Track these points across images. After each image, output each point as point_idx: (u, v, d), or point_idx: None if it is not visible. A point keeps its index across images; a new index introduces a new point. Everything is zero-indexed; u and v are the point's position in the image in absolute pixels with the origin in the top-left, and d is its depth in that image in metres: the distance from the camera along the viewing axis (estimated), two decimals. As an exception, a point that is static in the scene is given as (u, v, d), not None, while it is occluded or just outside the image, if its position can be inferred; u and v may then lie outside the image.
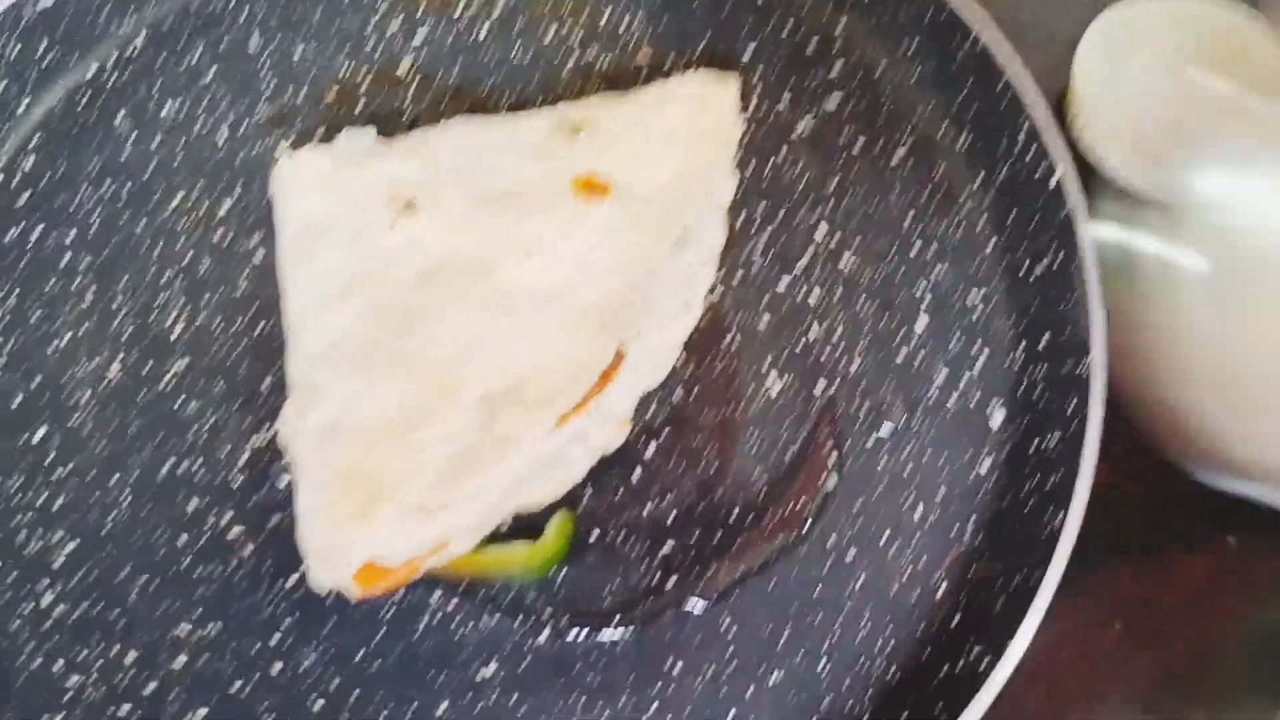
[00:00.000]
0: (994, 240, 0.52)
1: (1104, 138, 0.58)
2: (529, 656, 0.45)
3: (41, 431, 0.50)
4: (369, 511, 0.42)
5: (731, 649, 0.45)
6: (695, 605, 0.46)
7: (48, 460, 0.49)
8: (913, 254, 0.52)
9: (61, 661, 0.46)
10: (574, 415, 0.45)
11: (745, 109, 0.56)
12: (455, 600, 0.46)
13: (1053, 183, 0.50)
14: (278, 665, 0.45)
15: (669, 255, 0.49)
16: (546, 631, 0.46)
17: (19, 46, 0.57)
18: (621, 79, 0.58)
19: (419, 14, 0.60)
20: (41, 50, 0.58)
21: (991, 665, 0.41)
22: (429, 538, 0.43)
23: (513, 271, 0.47)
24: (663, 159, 0.51)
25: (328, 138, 0.55)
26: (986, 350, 0.50)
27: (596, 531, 0.47)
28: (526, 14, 0.60)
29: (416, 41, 0.60)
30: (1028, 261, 0.51)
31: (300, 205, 0.50)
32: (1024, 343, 0.50)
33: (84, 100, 0.58)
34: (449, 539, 0.44)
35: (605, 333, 0.46)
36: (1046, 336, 0.49)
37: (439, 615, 0.46)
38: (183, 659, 0.45)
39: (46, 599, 0.47)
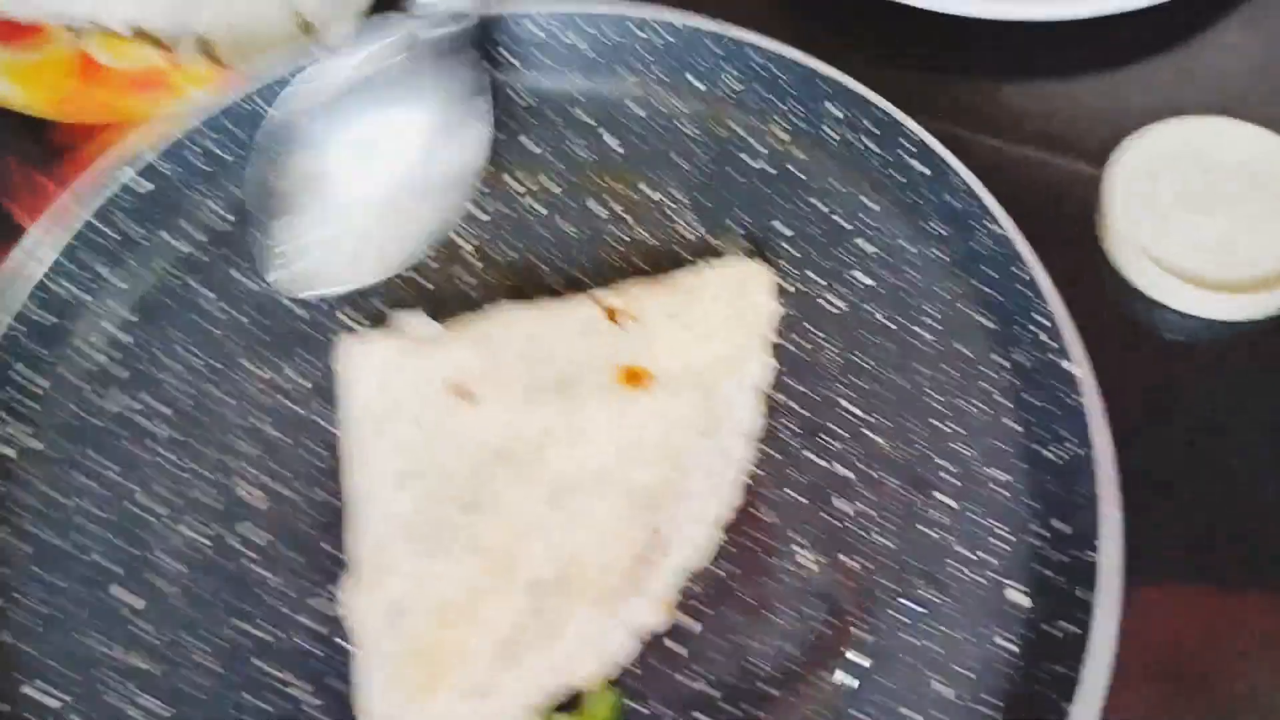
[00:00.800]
0: (1014, 421, 0.55)
1: (1133, 257, 0.60)
2: (575, 826, 0.49)
3: (127, 594, 0.54)
4: (429, 690, 0.46)
5: (764, 831, 0.48)
6: (732, 784, 0.49)
7: (133, 621, 0.54)
8: (938, 431, 0.56)
9: (149, 823, 0.50)
10: (617, 599, 0.49)
11: (780, 290, 0.60)
12: (506, 770, 0.50)
13: (1069, 372, 0.53)
14: (345, 831, 0.49)
15: (706, 439, 0.53)
16: (592, 802, 0.49)
17: (116, 234, 0.63)
18: (663, 255, 0.62)
19: (478, 191, 0.66)
20: (136, 232, 0.64)
21: None
22: (482, 715, 0.47)
23: (563, 457, 0.51)
24: (702, 347, 0.55)
25: (391, 306, 0.60)
26: (1007, 531, 0.53)
27: (637, 706, 0.50)
28: (577, 191, 0.65)
29: (477, 219, 0.65)
30: (1044, 445, 0.54)
31: (364, 389, 0.55)
32: (1043, 527, 0.52)
33: (175, 278, 0.64)
34: (501, 716, 0.47)
35: (646, 516, 0.50)
36: (1064, 524, 0.52)
37: (491, 784, 0.49)
38: (260, 823, 0.49)
39: (131, 752, 0.51)
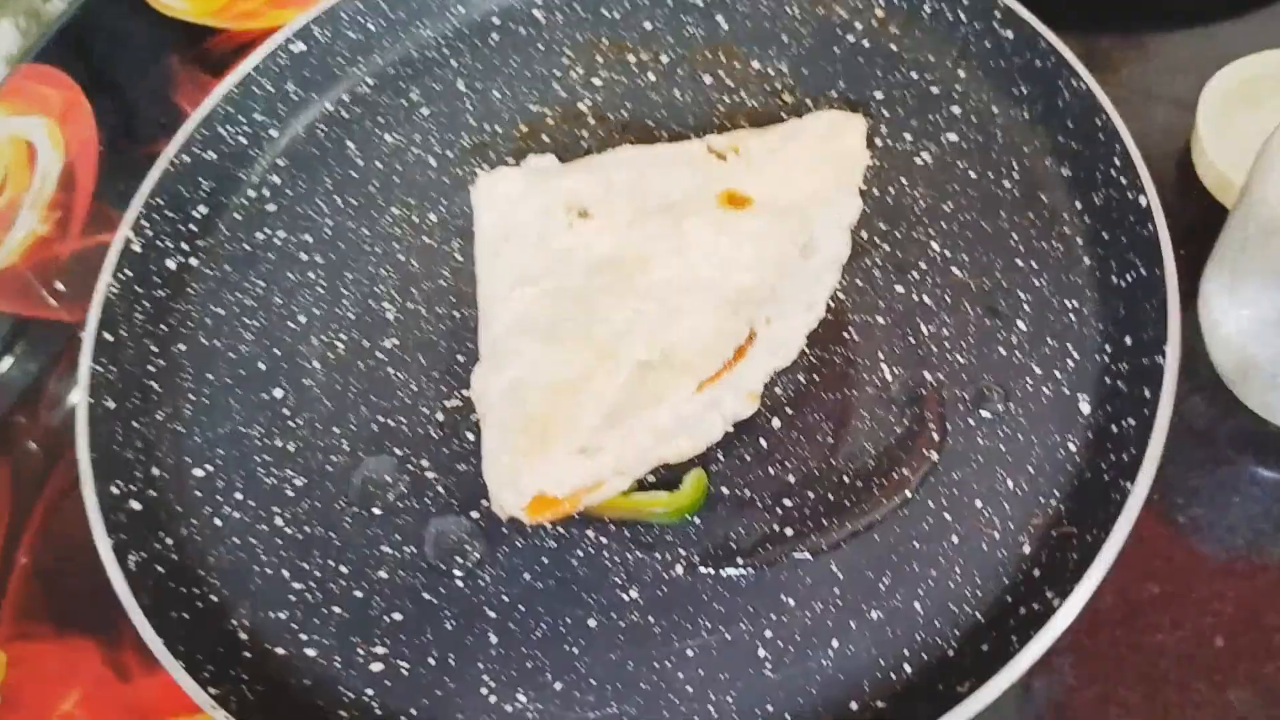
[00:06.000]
0: (1087, 257, 0.59)
1: (1226, 184, 0.63)
2: (665, 586, 0.53)
3: (279, 391, 0.61)
4: (542, 450, 0.52)
5: (838, 591, 0.52)
6: (808, 553, 0.54)
7: (284, 413, 0.60)
8: (1015, 268, 0.60)
9: (287, 571, 0.56)
10: (711, 383, 0.54)
11: (873, 144, 0.64)
12: (606, 537, 0.55)
13: (1141, 204, 0.57)
14: (460, 581, 0.55)
15: (797, 260, 0.58)
16: (680, 566, 0.54)
17: (272, 86, 0.71)
18: (766, 118, 0.67)
19: (598, 63, 0.71)
20: (290, 89, 0.71)
21: (1060, 604, 0.48)
22: (588, 476, 0.52)
23: (667, 265, 0.57)
24: (795, 180, 0.60)
25: (517, 162, 0.66)
26: (1077, 351, 0.57)
27: (726, 489, 0.55)
28: (688, 63, 0.71)
29: (595, 85, 0.71)
30: (1115, 274, 0.57)
31: (493, 213, 0.61)
32: (1110, 344, 0.56)
33: (322, 130, 0.71)
34: (604, 479, 0.53)
35: (740, 316, 0.55)
36: (1130, 338, 0.55)
37: (593, 548, 0.55)
38: (384, 573, 0.55)
39: (278, 521, 0.57)
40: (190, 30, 0.86)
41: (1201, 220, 0.63)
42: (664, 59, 0.71)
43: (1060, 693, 0.53)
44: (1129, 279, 0.57)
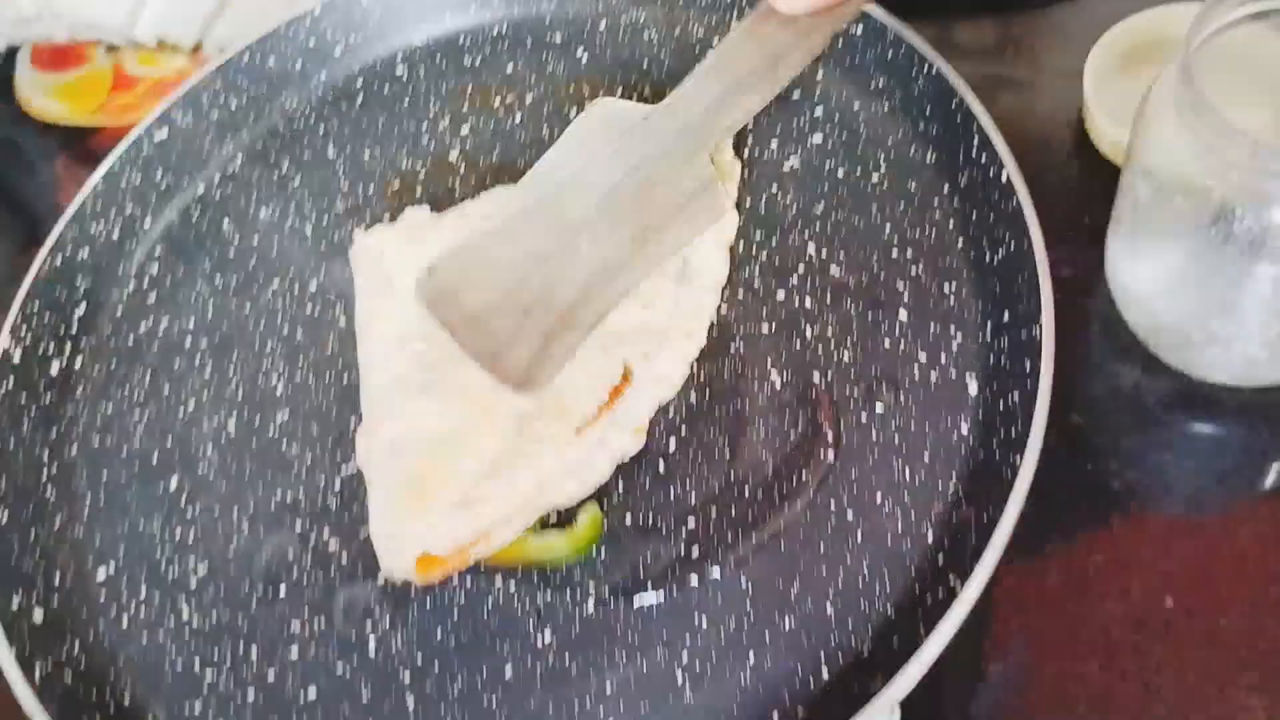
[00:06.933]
0: (960, 238, 0.59)
1: (1119, 146, 0.63)
2: (578, 624, 0.52)
3: (175, 481, 0.60)
4: (421, 508, 0.51)
5: (749, 604, 0.52)
6: (717, 571, 0.53)
7: (181, 502, 0.60)
8: (892, 259, 0.60)
9: (199, 660, 0.55)
10: (591, 426, 0.53)
11: (740, 154, 0.64)
12: (514, 582, 0.54)
13: (1004, 179, 0.57)
14: (372, 649, 0.54)
15: (673, 289, 0.58)
16: (591, 602, 0.53)
17: (140, 175, 0.70)
18: (635, 143, 0.67)
19: (464, 111, 0.71)
20: (158, 176, 0.71)
21: (962, 587, 0.47)
22: (470, 529, 0.51)
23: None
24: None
25: (394, 218, 0.66)
26: (959, 332, 0.57)
27: (629, 516, 0.55)
28: (551, 101, 0.71)
29: (462, 134, 0.71)
30: (988, 251, 0.58)
31: (371, 272, 0.61)
32: (989, 321, 0.56)
33: (195, 213, 0.70)
34: (490, 530, 0.52)
35: (610, 354, 0.55)
36: (1006, 313, 0.55)
37: (502, 596, 0.54)
38: (296, 650, 0.54)
39: (185, 613, 0.56)
40: (71, 134, 0.86)
41: (1103, 186, 0.62)
42: (528, 99, 0.71)
43: (1017, 675, 0.53)
44: (1000, 255, 0.57)
